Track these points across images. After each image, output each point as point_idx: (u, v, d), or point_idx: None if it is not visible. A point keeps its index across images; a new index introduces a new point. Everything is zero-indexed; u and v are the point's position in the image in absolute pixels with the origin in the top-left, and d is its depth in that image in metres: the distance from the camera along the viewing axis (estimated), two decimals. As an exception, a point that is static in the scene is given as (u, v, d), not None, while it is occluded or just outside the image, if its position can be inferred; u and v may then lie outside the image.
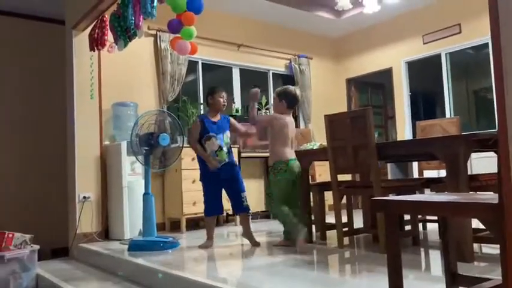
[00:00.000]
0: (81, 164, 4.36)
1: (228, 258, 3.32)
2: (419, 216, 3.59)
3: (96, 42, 3.99)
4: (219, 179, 3.59)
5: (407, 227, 3.36)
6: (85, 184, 4.35)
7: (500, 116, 1.33)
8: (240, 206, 3.62)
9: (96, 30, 4.00)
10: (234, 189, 3.63)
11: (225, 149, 3.60)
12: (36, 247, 3.57)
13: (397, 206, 1.46)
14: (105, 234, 4.40)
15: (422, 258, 3.02)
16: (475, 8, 5.41)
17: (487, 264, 2.62)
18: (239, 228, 4.83)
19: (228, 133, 3.69)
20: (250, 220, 3.77)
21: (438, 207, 1.30)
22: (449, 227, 1.75)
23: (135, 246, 3.60)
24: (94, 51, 4.17)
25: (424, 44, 6.01)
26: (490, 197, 1.44)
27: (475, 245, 2.74)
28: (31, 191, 5.22)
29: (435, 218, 3.71)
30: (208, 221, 3.71)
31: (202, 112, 5.56)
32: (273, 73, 6.44)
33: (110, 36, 3.99)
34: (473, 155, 3.71)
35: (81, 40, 4.43)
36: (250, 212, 3.66)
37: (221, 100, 3.67)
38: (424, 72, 6.63)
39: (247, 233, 3.63)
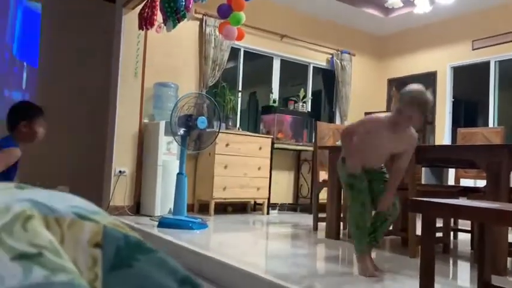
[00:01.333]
0: (120, 139, 4.50)
1: (253, 244, 3.36)
2: (451, 225, 3.52)
3: (145, 22, 4.07)
4: None
5: (438, 234, 3.31)
6: (122, 159, 4.49)
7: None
8: None
9: (146, 10, 4.08)
10: None
11: None
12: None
13: (437, 209, 1.45)
14: (136, 209, 4.53)
15: (450, 266, 2.97)
16: (532, 16, 5.19)
17: (519, 280, 2.55)
18: (265, 217, 4.89)
19: None
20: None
21: (481, 213, 1.28)
22: (487, 235, 1.71)
23: (165, 224, 3.70)
24: (142, 30, 4.26)
25: (473, 49, 5.82)
26: (535, 209, 1.41)
27: (509, 259, 2.67)
28: (70, 160, 5.41)
29: (468, 228, 3.64)
30: None
31: (239, 99, 5.61)
32: (313, 67, 6.40)
33: (159, 16, 4.06)
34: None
35: (130, 18, 4.53)
36: None
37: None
38: (469, 79, 6.43)
39: None
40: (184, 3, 3.58)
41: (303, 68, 6.35)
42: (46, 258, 0.34)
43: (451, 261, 3.08)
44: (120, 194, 4.43)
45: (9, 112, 2.61)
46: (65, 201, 0.44)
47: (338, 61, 6.38)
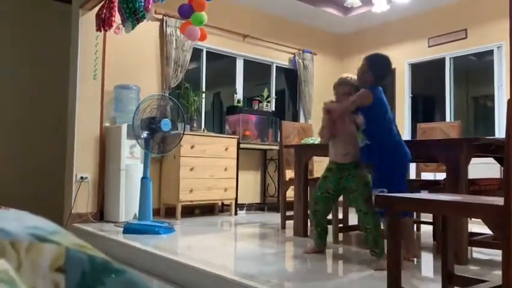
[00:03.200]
0: (81, 144, 4.35)
1: (222, 246, 3.33)
2: (414, 217, 3.62)
3: (103, 23, 3.96)
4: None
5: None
6: (83, 164, 4.35)
7: (509, 118, 1.34)
8: None
9: (104, 11, 3.97)
10: None
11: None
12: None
13: (402, 203, 1.48)
14: (100, 215, 4.40)
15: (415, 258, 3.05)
16: (483, 14, 5.43)
17: (478, 268, 2.66)
18: (233, 218, 4.87)
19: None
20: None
21: (444, 206, 1.31)
22: (449, 227, 1.77)
23: (130, 230, 3.61)
24: (100, 31, 4.14)
25: (429, 46, 6.02)
26: (493, 199, 1.46)
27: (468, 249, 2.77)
28: (28, 167, 5.20)
29: (429, 220, 3.76)
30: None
31: (204, 100, 5.56)
32: (276, 66, 6.43)
33: (117, 18, 3.96)
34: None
35: (87, 19, 4.39)
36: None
37: None
38: (426, 75, 6.64)
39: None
40: (143, 4, 3.50)
41: (266, 67, 6.37)
42: None
43: (415, 253, 3.16)
44: (82, 200, 4.29)
45: None
46: (19, 222, 0.40)
47: (300, 60, 6.44)
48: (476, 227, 3.45)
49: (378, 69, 2.70)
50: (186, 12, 3.34)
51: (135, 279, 0.42)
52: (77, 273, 0.38)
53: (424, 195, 1.72)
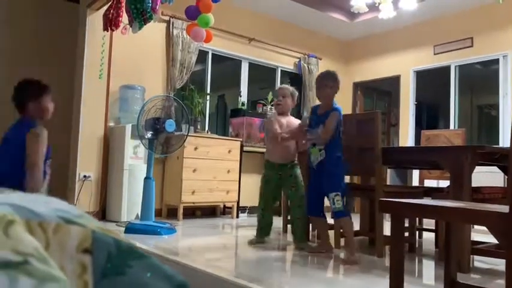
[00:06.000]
0: (85, 143, 4.37)
1: (223, 249, 3.33)
2: (416, 224, 3.61)
3: (110, 23, 3.98)
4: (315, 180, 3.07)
5: (405, 234, 3.38)
6: (87, 163, 4.36)
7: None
8: (332, 213, 3.01)
9: (112, 11, 3.98)
10: (323, 191, 3.01)
11: (318, 146, 2.98)
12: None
13: (406, 209, 1.48)
14: (102, 215, 4.41)
15: (416, 265, 3.04)
16: (489, 23, 5.43)
17: (480, 276, 2.64)
18: (235, 221, 4.86)
19: (321, 127, 2.96)
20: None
21: (450, 213, 1.31)
22: (452, 235, 1.76)
23: (132, 229, 3.61)
24: (107, 31, 4.16)
25: (434, 54, 6.01)
26: (498, 207, 1.46)
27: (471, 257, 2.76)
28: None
29: (432, 227, 3.75)
30: (311, 220, 3.40)
31: (208, 102, 5.57)
32: (281, 70, 6.44)
33: (124, 18, 3.98)
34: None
35: (94, 19, 4.42)
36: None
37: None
38: (431, 83, 6.64)
39: (346, 249, 3.03)
40: (150, 5, 3.52)
41: (271, 71, 6.38)
42: (33, 267, 0.31)
43: (417, 260, 3.16)
44: (85, 199, 4.30)
45: (15, 92, 2.59)
46: (48, 205, 0.41)
47: (305, 65, 6.44)
48: (478, 235, 3.44)
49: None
50: (192, 14, 3.35)
51: (161, 264, 0.42)
52: (103, 255, 0.38)
53: (430, 201, 1.71)
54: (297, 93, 3.48)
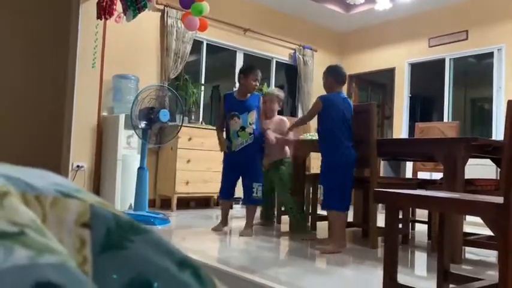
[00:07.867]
0: (78, 132, 4.33)
1: (216, 239, 3.33)
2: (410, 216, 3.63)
3: (104, 11, 3.93)
4: (236, 164, 3.41)
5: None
6: (80, 153, 4.33)
7: (508, 117, 1.34)
8: (248, 198, 3.42)
9: (105, -1, 3.93)
10: (246, 178, 3.42)
11: (248, 129, 3.34)
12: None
13: (401, 199, 1.48)
14: (95, 205, 4.39)
15: (409, 256, 3.07)
16: (484, 16, 5.43)
17: (472, 267, 2.67)
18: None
19: (254, 113, 3.38)
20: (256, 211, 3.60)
21: (444, 203, 1.31)
22: (446, 226, 1.77)
23: (125, 219, 3.60)
24: (101, 19, 4.11)
25: (429, 47, 6.02)
26: (492, 198, 1.46)
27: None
28: (25, 154, 5.16)
29: (425, 219, 3.77)
30: (220, 204, 3.73)
31: (202, 93, 5.54)
32: (276, 61, 6.41)
33: (118, 6, 3.93)
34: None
35: (88, 7, 4.35)
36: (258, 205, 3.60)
37: (253, 83, 3.47)
38: (425, 76, 6.65)
39: (247, 226, 3.43)
40: (145, -7, 3.48)
41: (266, 62, 6.35)
42: (29, 238, 0.30)
43: (409, 251, 3.18)
44: (77, 189, 4.27)
45: None
46: (44, 178, 0.40)
47: (300, 56, 6.42)
48: (469, 227, 3.46)
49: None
50: (186, 3, 3.32)
51: (162, 239, 0.41)
52: (102, 230, 0.38)
53: (424, 192, 1.72)
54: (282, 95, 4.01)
